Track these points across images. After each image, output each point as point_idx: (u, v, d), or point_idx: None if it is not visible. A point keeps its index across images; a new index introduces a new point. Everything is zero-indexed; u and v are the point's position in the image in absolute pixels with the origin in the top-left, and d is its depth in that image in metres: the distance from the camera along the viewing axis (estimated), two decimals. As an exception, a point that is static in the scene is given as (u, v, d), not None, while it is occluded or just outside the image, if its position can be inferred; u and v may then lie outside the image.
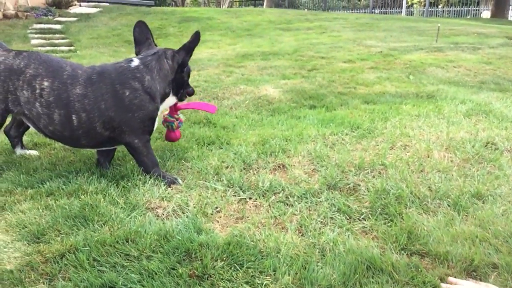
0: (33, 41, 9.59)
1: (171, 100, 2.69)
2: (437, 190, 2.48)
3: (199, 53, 7.68)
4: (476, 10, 25.39)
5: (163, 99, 2.61)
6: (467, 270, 1.89)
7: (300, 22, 11.52)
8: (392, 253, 1.96)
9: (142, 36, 2.70)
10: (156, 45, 2.74)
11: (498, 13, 19.83)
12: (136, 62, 2.54)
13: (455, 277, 1.83)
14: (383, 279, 1.77)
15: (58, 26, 11.52)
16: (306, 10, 24.68)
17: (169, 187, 2.44)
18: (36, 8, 13.35)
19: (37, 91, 2.41)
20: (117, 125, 2.46)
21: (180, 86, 2.68)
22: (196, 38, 2.59)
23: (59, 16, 13.16)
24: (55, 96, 2.40)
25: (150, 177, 2.51)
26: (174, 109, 2.83)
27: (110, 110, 2.43)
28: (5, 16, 12.21)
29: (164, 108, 2.73)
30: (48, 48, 8.76)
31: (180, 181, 2.51)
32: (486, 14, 23.46)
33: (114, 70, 2.50)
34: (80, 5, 15.94)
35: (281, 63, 6.52)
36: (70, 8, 14.92)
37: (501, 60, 6.45)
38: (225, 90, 4.79)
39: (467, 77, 5.50)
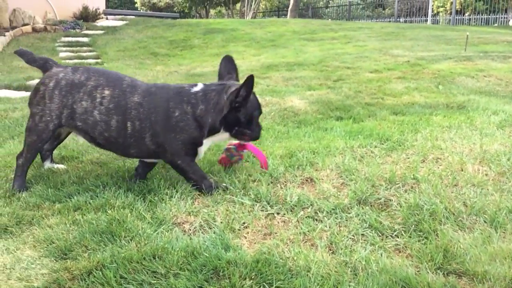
0: (61, 54, 9.81)
1: (222, 135, 2.60)
2: (472, 205, 2.38)
3: (224, 64, 7.71)
4: (504, 17, 24.86)
5: (211, 131, 2.53)
6: (508, 289, 1.80)
7: (325, 32, 11.47)
8: (428, 272, 1.87)
9: (225, 69, 2.70)
10: (237, 81, 2.69)
11: (528, 20, 19.32)
12: (198, 88, 2.54)
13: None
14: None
15: (85, 39, 11.77)
16: (330, 20, 24.61)
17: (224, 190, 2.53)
18: (64, 22, 13.69)
19: (98, 99, 2.51)
20: (161, 142, 2.48)
21: (234, 124, 2.54)
22: (249, 83, 2.45)
23: (86, 29, 13.46)
24: (115, 103, 2.49)
25: (201, 191, 2.53)
26: (241, 145, 2.77)
27: (157, 125, 2.47)
28: (34, 30, 12.55)
29: (213, 142, 2.68)
30: (75, 60, 8.94)
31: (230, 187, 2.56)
32: (514, 21, 22.95)
33: (174, 89, 2.55)
34: (107, 18, 16.29)
35: (306, 73, 6.48)
36: (97, 21, 15.26)
37: (532, 68, 6.26)
38: (250, 101, 4.76)
39: (498, 87, 5.34)
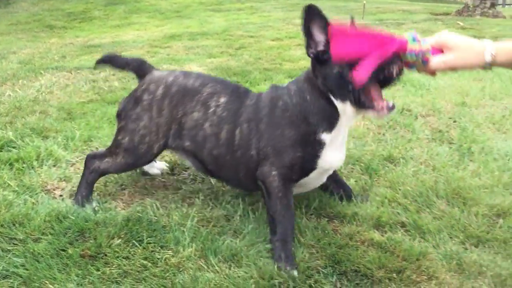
0: None
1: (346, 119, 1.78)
2: (351, 156, 2.47)
3: (124, 35, 7.39)
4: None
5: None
6: (375, 227, 1.89)
7: (232, 3, 11.37)
8: (303, 217, 1.92)
9: None
10: None
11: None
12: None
13: (366, 233, 1.82)
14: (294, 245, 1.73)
15: (-29, 12, 10.71)
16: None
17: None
18: None
19: (212, 109, 1.91)
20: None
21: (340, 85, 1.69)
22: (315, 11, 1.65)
23: (-26, 2, 12.24)
24: (228, 110, 1.90)
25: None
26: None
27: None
28: None
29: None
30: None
31: None
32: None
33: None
34: (-3, -10, 14.92)
35: (209, 42, 6.38)
36: (-14, -7, 13.91)
37: (423, 33, 6.57)
38: (146, 70, 4.60)
39: (390, 50, 5.61)
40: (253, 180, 1.83)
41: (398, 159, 2.48)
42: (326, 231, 1.83)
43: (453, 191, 2.16)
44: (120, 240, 1.68)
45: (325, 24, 1.62)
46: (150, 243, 1.69)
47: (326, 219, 1.94)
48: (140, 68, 2.09)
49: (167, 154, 2.41)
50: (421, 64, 1.51)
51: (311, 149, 1.73)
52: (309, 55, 1.68)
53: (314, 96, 1.73)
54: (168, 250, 1.66)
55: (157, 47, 6.02)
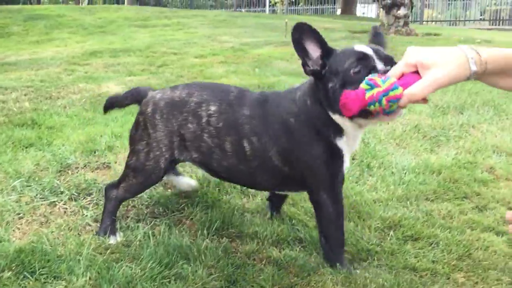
0: None
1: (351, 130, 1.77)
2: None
3: (42, 51, 7.13)
4: (333, 8, 27.41)
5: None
6: (274, 244, 1.96)
7: (159, 19, 11.31)
8: (204, 238, 1.95)
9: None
10: None
11: (347, 10, 21.58)
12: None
13: (265, 250, 1.88)
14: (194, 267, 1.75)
15: None
16: (173, 8, 24.33)
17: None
18: None
19: (204, 119, 1.90)
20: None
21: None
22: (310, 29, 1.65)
23: None
24: (224, 120, 1.89)
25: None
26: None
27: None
28: None
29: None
30: None
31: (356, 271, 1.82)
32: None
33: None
34: None
35: (131, 59, 6.31)
36: None
37: (340, 51, 6.96)
38: (61, 89, 4.47)
39: (308, 68, 5.83)
40: (273, 181, 1.90)
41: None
42: (227, 251, 1.88)
43: (350, 205, 2.29)
44: (10, 272, 1.63)
45: (319, 39, 1.64)
46: (42, 274, 1.65)
47: (228, 239, 1.98)
48: (137, 98, 2.10)
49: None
50: (392, 104, 1.36)
51: (338, 160, 1.78)
52: (307, 73, 1.68)
53: (319, 107, 1.73)
54: (62, 281, 1.63)
55: (76, 64, 5.88)
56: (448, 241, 2.04)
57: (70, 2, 28.66)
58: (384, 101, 1.34)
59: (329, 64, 1.64)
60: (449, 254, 1.96)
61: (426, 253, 1.96)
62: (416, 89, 1.29)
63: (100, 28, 9.70)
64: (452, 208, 2.38)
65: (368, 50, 1.60)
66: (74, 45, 7.62)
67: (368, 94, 1.38)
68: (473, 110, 4.00)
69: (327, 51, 1.65)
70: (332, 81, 1.62)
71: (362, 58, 1.57)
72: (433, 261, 1.91)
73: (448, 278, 1.81)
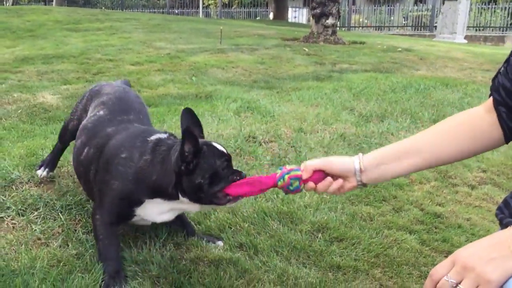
0: None
1: (186, 205, 1.88)
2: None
3: (-33, 57, 6.83)
4: (266, 11, 27.95)
5: (159, 193, 1.86)
6: (216, 249, 2.17)
7: (90, 22, 11.09)
8: (150, 249, 2.12)
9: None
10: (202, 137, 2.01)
11: (279, 15, 22.11)
12: (155, 136, 1.97)
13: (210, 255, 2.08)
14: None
15: None
16: (103, 8, 23.73)
17: None
18: None
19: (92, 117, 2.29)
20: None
21: (195, 190, 1.76)
22: (190, 134, 1.71)
23: None
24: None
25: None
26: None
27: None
28: None
29: (174, 209, 1.94)
30: None
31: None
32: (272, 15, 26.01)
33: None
34: None
35: (65, 66, 6.24)
36: None
37: (272, 60, 7.29)
38: (-6, 99, 4.40)
39: (243, 77, 6.07)
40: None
41: (240, 185, 2.81)
42: (173, 259, 2.06)
43: (283, 212, 2.54)
44: (-36, 291, 1.71)
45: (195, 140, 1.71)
46: (-2, 289, 1.74)
47: (174, 247, 2.16)
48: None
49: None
50: (293, 182, 1.55)
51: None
52: (179, 169, 1.74)
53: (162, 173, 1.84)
54: (17, 295, 1.73)
55: (7, 72, 5.74)
56: (368, 241, 2.35)
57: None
58: (285, 178, 1.55)
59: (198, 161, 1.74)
60: (369, 252, 2.26)
61: (349, 252, 2.25)
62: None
63: (29, 32, 9.38)
64: (372, 211, 2.70)
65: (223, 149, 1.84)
66: (4, 50, 7.36)
67: (279, 171, 1.59)
68: (392, 118, 4.42)
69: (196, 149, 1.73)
70: (202, 178, 1.73)
71: (226, 156, 1.80)
72: (355, 259, 2.20)
73: (367, 274, 2.11)
